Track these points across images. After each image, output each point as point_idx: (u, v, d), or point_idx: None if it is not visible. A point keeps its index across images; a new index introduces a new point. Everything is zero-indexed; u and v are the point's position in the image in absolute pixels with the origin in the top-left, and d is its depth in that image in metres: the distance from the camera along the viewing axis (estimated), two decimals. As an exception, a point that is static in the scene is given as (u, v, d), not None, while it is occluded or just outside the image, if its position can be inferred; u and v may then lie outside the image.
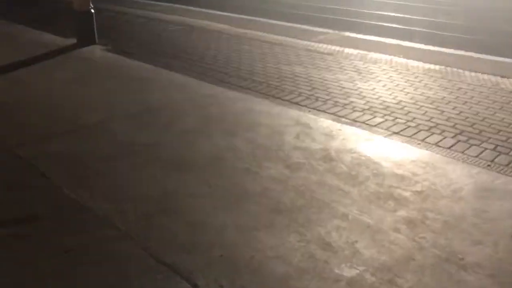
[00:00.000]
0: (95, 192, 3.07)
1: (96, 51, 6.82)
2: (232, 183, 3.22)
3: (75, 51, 6.80)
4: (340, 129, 4.14)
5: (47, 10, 9.91)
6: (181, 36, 7.69)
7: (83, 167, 3.40)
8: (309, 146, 3.79)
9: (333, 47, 6.98)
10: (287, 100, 4.85)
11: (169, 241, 2.58)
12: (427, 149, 3.78)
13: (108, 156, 3.57)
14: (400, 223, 2.78)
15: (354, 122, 4.32)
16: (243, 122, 4.26)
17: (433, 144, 3.89)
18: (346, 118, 4.40)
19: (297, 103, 4.77)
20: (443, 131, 4.14)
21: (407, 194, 3.09)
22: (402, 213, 2.89)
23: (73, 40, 7.24)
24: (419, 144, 3.88)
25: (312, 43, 7.21)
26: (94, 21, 7.19)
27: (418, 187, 3.18)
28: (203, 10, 10.15)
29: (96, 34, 7.25)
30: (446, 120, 4.38)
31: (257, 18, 9.21)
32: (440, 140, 3.95)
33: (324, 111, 4.56)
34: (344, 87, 5.25)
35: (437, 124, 4.28)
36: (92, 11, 7.14)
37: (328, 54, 6.62)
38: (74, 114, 4.39)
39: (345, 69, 5.92)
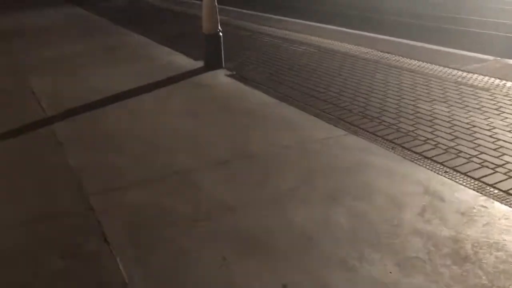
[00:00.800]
0: (148, 274, 2.55)
1: (219, 77, 6.50)
2: (316, 284, 2.43)
3: (198, 76, 6.57)
4: (484, 206, 3.06)
5: (190, 28, 10.03)
6: (310, 60, 7.02)
7: (150, 233, 2.92)
8: (435, 231, 2.81)
9: (491, 80, 5.65)
10: (419, 153, 3.86)
11: None
12: None
13: (181, 220, 3.04)
14: None
15: (507, 196, 3.19)
16: (354, 184, 3.41)
17: None
18: (496, 188, 3.28)
19: (430, 159, 3.75)
20: None
21: None
22: None
23: (201, 63, 7.05)
24: None
25: (464, 73, 5.96)
26: (222, 45, 6.91)
27: None
28: (335, 28, 9.35)
29: (223, 58, 6.96)
30: None
31: (397, 39, 8.10)
32: None
33: (465, 174, 3.49)
34: (499, 139, 4.05)
35: None
36: (220, 34, 6.86)
37: (483, 89, 5.35)
38: (168, 156, 3.99)
39: (504, 112, 4.64)
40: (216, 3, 6.75)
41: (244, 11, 12.35)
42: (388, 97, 5.24)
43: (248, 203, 3.21)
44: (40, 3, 15.83)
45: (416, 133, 4.27)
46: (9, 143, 4.42)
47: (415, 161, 3.75)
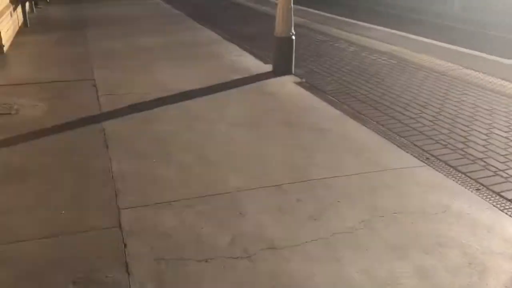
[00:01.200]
0: (164, 323, 2.16)
1: (287, 84, 6.03)
2: None
3: (264, 82, 6.14)
4: None
5: (265, 28, 9.65)
6: (390, 73, 6.38)
7: (179, 266, 2.53)
8: (529, 314, 2.19)
9: None
10: (510, 201, 3.19)
11: None
12: None
13: (216, 254, 2.62)
14: None
15: None
16: (425, 232, 2.83)
17: None
18: None
19: (526, 210, 3.08)
20: None
21: None
22: None
23: (269, 67, 6.63)
24: None
25: None
26: (293, 50, 6.44)
27: None
28: (426, 40, 8.54)
29: (293, 63, 6.50)
30: None
31: (488, 56, 7.21)
32: None
33: None
34: None
35: None
36: (293, 38, 6.39)
37: None
38: (216, 172, 3.59)
39: None
40: (291, 5, 6.28)
41: (325, 14, 11.79)
42: (476, 125, 4.53)
43: (296, 243, 2.73)
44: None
45: (508, 174, 3.58)
46: (56, 138, 4.24)
47: (505, 210, 3.09)
